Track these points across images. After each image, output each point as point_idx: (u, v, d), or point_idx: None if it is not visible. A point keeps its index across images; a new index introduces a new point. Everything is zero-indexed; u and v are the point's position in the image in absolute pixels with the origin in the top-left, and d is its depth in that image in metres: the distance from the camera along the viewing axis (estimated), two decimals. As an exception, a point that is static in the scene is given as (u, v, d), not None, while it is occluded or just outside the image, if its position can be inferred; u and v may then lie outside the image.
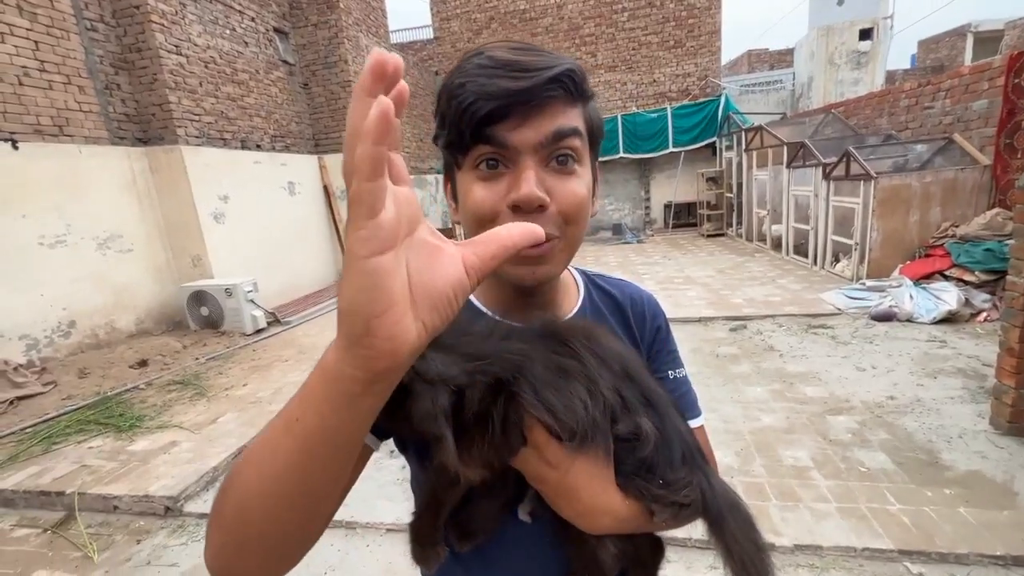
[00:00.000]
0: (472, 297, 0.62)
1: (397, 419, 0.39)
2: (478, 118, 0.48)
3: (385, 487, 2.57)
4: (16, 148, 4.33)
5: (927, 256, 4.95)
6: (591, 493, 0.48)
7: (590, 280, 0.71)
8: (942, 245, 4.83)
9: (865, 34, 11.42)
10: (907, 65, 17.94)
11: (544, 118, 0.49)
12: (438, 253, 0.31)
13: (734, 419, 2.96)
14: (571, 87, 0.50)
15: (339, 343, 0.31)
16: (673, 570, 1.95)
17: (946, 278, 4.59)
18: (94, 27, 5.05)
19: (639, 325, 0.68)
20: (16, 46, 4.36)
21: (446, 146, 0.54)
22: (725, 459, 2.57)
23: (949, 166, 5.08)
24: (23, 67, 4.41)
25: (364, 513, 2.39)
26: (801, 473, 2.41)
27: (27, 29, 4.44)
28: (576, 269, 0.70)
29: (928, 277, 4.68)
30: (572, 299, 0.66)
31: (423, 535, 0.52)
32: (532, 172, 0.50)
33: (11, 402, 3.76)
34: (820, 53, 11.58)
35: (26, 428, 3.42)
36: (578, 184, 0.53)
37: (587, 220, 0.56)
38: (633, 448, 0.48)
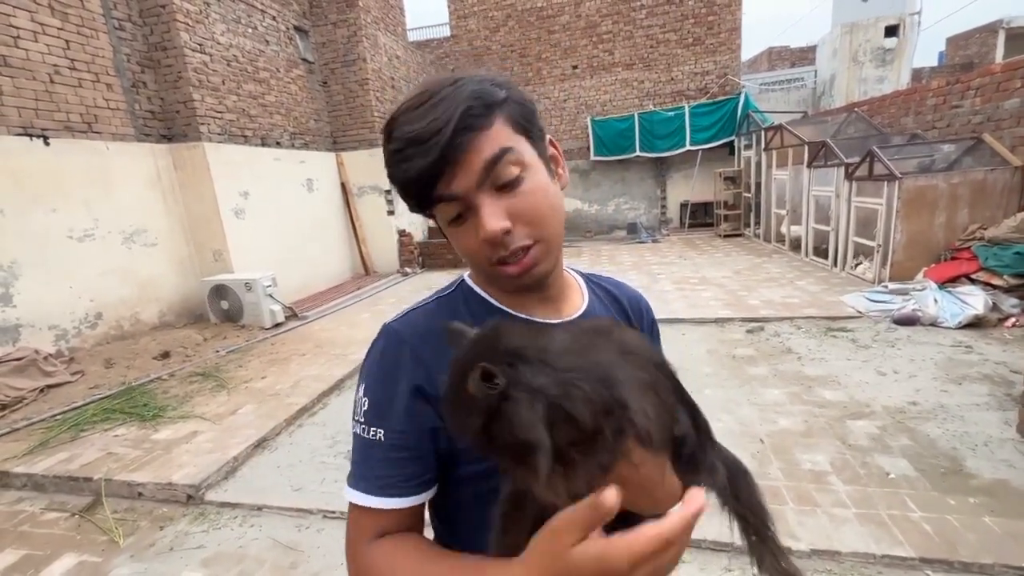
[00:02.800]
0: (485, 294, 0.64)
1: (485, 434, 0.40)
2: (417, 193, 0.54)
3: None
4: (48, 144, 4.47)
5: (953, 259, 4.82)
6: (663, 482, 0.49)
7: (587, 279, 0.74)
8: (969, 248, 4.70)
9: (891, 31, 11.14)
10: (934, 63, 17.45)
11: (469, 161, 0.52)
12: None
13: (750, 421, 2.93)
14: (476, 120, 0.52)
15: None
16: (687, 571, 1.94)
17: (973, 282, 4.47)
18: (122, 26, 5.18)
19: (638, 320, 0.74)
20: (48, 45, 4.49)
21: (414, 211, 0.60)
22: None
23: (978, 166, 4.94)
24: (54, 65, 4.54)
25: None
26: (819, 477, 2.38)
27: (58, 28, 4.58)
28: (572, 269, 0.74)
29: (954, 280, 4.57)
30: (578, 296, 0.70)
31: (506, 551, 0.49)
32: (486, 207, 0.53)
33: (41, 390, 3.89)
34: (843, 50, 11.33)
35: (55, 415, 3.54)
36: (531, 192, 0.55)
37: (556, 212, 0.58)
38: (684, 438, 0.50)
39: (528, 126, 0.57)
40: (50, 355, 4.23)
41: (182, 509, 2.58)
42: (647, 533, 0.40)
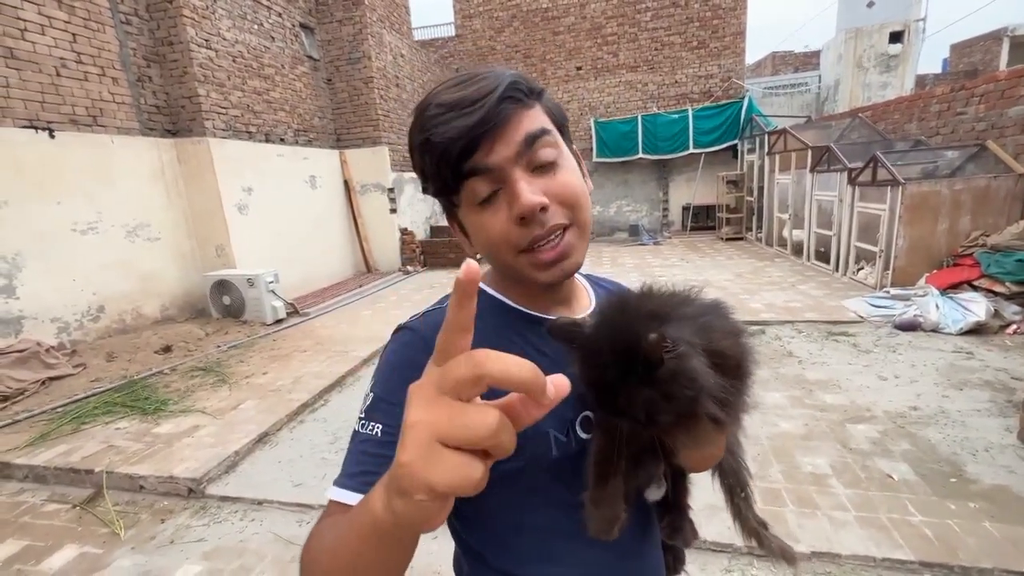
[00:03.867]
0: (498, 294, 0.63)
1: (641, 385, 0.41)
2: (453, 160, 0.51)
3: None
4: (53, 137, 4.47)
5: (955, 265, 4.83)
6: (719, 435, 0.51)
7: (590, 280, 0.75)
8: (971, 254, 4.70)
9: (895, 37, 11.14)
10: (938, 69, 17.47)
11: (509, 132, 0.52)
12: None
13: (751, 424, 2.93)
14: (520, 95, 0.53)
15: (388, 519, 0.34)
16: (688, 570, 1.94)
17: (975, 288, 4.47)
18: (128, 20, 5.19)
19: None
20: (55, 38, 4.50)
21: (437, 194, 0.57)
22: (742, 463, 2.55)
23: (981, 173, 4.94)
24: (61, 59, 4.55)
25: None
26: (819, 480, 2.38)
27: (65, 21, 4.59)
28: (578, 274, 0.73)
29: (956, 287, 4.57)
30: (584, 296, 0.70)
31: (604, 501, 0.52)
32: (523, 182, 0.52)
33: (43, 382, 3.90)
34: (848, 56, 11.34)
35: (57, 408, 3.54)
36: (568, 175, 0.55)
37: (589, 203, 0.58)
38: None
39: (562, 124, 0.58)
40: (52, 347, 4.24)
41: (183, 502, 2.59)
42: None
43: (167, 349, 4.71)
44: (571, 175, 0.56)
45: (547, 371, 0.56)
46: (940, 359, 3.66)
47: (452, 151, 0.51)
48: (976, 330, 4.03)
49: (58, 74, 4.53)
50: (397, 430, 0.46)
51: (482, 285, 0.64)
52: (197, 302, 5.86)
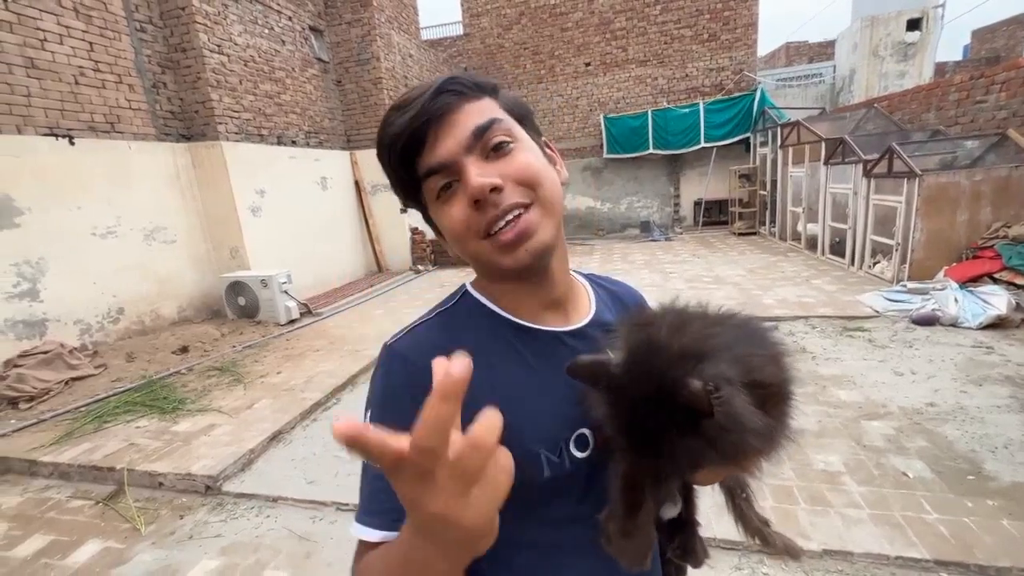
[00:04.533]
0: (488, 302, 0.61)
1: (683, 432, 0.39)
2: (398, 158, 0.53)
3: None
4: (72, 144, 4.59)
5: (975, 258, 4.71)
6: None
7: (591, 281, 0.72)
8: (992, 246, 4.59)
9: (913, 24, 10.85)
10: (959, 56, 17.00)
11: (455, 125, 0.52)
12: None
13: (763, 421, 2.91)
14: (462, 89, 0.53)
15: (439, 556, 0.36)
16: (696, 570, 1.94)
17: (995, 281, 4.36)
18: (143, 28, 5.30)
19: None
20: (73, 47, 4.62)
21: (406, 200, 0.58)
22: (753, 461, 2.53)
23: (1002, 163, 4.81)
24: (79, 67, 4.67)
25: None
26: (832, 478, 2.35)
27: (83, 31, 4.70)
28: (576, 272, 0.71)
29: (976, 280, 4.46)
30: (586, 300, 0.67)
31: (637, 531, 0.50)
32: (472, 167, 0.51)
33: (66, 382, 4.01)
34: (864, 45, 11.09)
35: (80, 407, 3.65)
36: (525, 155, 0.54)
37: (553, 182, 0.56)
38: None
39: (523, 116, 0.57)
40: (75, 349, 4.36)
41: (201, 499, 2.65)
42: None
43: (184, 350, 4.82)
44: (529, 155, 0.55)
45: (535, 387, 0.56)
46: (958, 354, 3.58)
47: (396, 146, 0.52)
48: (996, 324, 3.93)
49: (77, 82, 4.65)
50: None
51: (472, 291, 0.63)
52: (213, 303, 5.98)
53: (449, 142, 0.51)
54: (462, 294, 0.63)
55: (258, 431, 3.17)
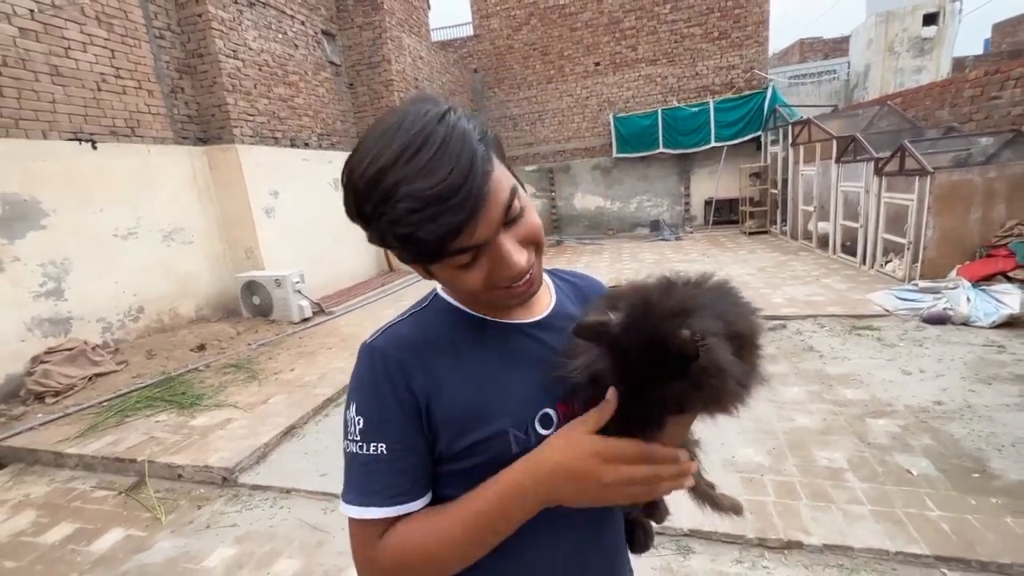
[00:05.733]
0: (458, 303, 0.65)
1: (662, 376, 0.46)
2: (434, 252, 0.51)
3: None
4: (95, 148, 4.76)
5: (989, 256, 4.65)
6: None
7: (554, 275, 0.76)
8: (1006, 245, 4.52)
9: (930, 19, 10.68)
10: (979, 51, 16.63)
11: (490, 206, 0.51)
12: None
13: (768, 418, 2.93)
14: (487, 164, 0.50)
15: (543, 506, 0.54)
16: (698, 562, 1.98)
17: (1009, 280, 4.30)
18: (162, 35, 5.46)
19: None
20: (96, 55, 4.78)
21: (414, 262, 0.56)
22: (756, 457, 2.55)
23: (1017, 160, 4.74)
24: (101, 74, 4.83)
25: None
26: (835, 474, 2.37)
27: (105, 39, 4.86)
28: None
29: (989, 279, 4.40)
30: (547, 293, 0.71)
31: None
32: (509, 246, 0.54)
33: (90, 378, 4.16)
34: (879, 40, 10.94)
35: (103, 402, 3.79)
36: (531, 214, 0.57)
37: (541, 229, 0.61)
38: None
39: (500, 149, 0.58)
40: (97, 346, 4.52)
41: (218, 490, 2.75)
42: (634, 444, 0.51)
43: (202, 347, 4.96)
44: (533, 213, 0.58)
45: (502, 373, 0.63)
46: (969, 353, 3.55)
47: (445, 241, 0.50)
48: (1009, 323, 3.88)
49: (99, 88, 4.81)
50: (401, 444, 0.58)
51: (442, 295, 0.67)
52: (229, 302, 6.13)
53: (484, 229, 0.51)
54: (433, 297, 0.67)
55: (272, 425, 3.26)
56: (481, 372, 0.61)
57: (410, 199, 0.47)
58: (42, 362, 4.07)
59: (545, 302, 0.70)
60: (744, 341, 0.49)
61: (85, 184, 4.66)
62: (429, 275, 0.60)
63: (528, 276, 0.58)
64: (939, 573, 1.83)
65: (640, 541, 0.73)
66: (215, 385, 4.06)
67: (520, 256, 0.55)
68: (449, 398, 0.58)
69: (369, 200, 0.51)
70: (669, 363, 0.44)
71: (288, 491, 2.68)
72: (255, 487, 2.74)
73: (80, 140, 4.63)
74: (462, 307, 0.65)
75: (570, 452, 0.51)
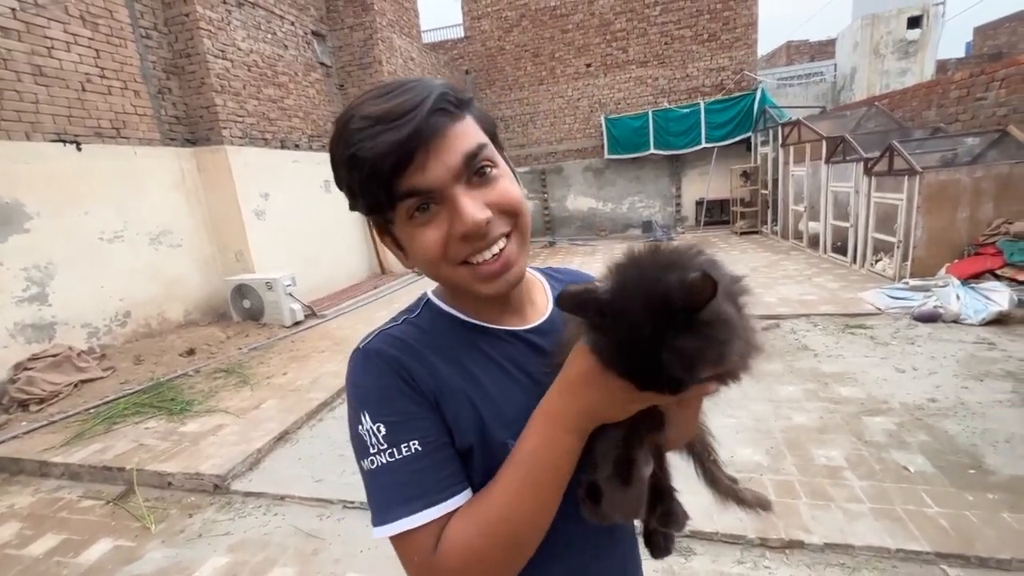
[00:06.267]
0: (452, 309, 0.62)
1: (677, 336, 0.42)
2: (385, 177, 0.49)
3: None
4: (80, 150, 4.66)
5: (977, 254, 4.71)
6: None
7: (548, 276, 0.74)
8: (994, 243, 4.59)
9: (914, 22, 10.86)
10: (961, 53, 16.96)
11: (445, 148, 0.50)
12: None
13: (765, 417, 2.93)
14: (451, 107, 0.51)
15: (583, 423, 0.50)
16: (700, 563, 1.97)
17: (997, 277, 4.36)
18: (148, 35, 5.37)
19: None
20: (80, 55, 4.69)
21: (369, 212, 0.55)
22: (755, 456, 2.55)
23: (1003, 160, 4.82)
24: (86, 74, 4.74)
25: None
26: (834, 473, 2.37)
27: (89, 38, 4.77)
28: (533, 269, 0.72)
29: (977, 276, 4.47)
30: (543, 295, 0.69)
31: (635, 480, 0.51)
32: (465, 199, 0.51)
33: (75, 385, 4.07)
34: (865, 43, 11.09)
35: (89, 409, 3.70)
36: (506, 183, 0.55)
37: (528, 211, 0.58)
38: None
39: (492, 131, 0.57)
40: (83, 352, 4.42)
41: (209, 498, 2.69)
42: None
43: (191, 352, 4.87)
44: (510, 182, 0.56)
45: (498, 381, 0.59)
46: (960, 350, 3.59)
47: (383, 167, 0.48)
48: (999, 320, 3.94)
49: (83, 89, 4.71)
50: (433, 434, 0.54)
51: (434, 299, 0.64)
52: (218, 306, 6.03)
53: (439, 167, 0.49)
54: (425, 302, 0.64)
55: (265, 431, 3.21)
56: (479, 382, 0.57)
57: (359, 119, 0.49)
58: (26, 369, 3.97)
59: (542, 307, 0.67)
60: (738, 305, 0.46)
61: (70, 186, 4.56)
62: (399, 247, 0.59)
63: (499, 252, 0.54)
64: (939, 570, 1.83)
65: (660, 545, 0.70)
66: (205, 390, 3.99)
67: (478, 210, 0.51)
68: (449, 403, 0.55)
69: (338, 135, 0.52)
70: (673, 317, 0.40)
71: (282, 498, 2.63)
72: (248, 494, 2.69)
73: (64, 141, 4.54)
74: (455, 312, 0.62)
75: (587, 359, 0.47)
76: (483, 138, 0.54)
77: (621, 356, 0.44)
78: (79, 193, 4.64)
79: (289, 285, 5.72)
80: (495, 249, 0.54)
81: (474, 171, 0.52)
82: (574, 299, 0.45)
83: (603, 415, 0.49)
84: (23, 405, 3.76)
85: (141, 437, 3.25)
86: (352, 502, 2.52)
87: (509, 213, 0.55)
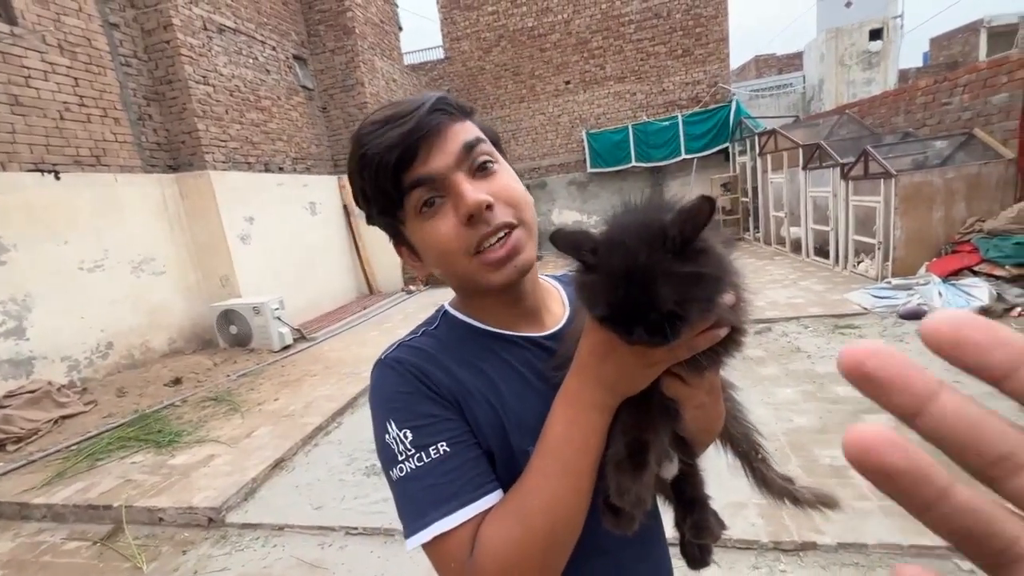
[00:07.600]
0: (467, 318, 0.63)
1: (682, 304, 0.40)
2: (392, 170, 0.53)
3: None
4: (58, 179, 4.56)
5: (954, 252, 4.86)
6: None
7: (564, 283, 0.73)
8: (969, 240, 4.75)
9: (875, 34, 11.38)
10: (920, 63, 17.76)
11: (445, 141, 0.54)
12: None
13: (766, 421, 2.94)
14: (450, 109, 0.56)
15: (604, 398, 0.49)
16: (715, 571, 1.94)
17: (975, 274, 4.50)
18: (128, 62, 5.33)
19: None
20: (58, 83, 4.62)
21: (382, 213, 0.58)
22: (760, 460, 2.55)
23: (971, 161, 5.01)
24: (64, 103, 4.66)
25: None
26: (839, 472, 2.38)
27: (67, 67, 4.71)
28: (548, 276, 0.73)
29: (956, 273, 4.60)
30: (559, 303, 0.69)
31: (642, 482, 0.48)
32: (466, 183, 0.54)
33: (55, 421, 3.90)
34: (830, 55, 11.56)
35: (71, 446, 3.54)
36: (508, 178, 0.58)
37: (532, 205, 0.60)
38: None
39: (495, 140, 0.60)
40: (63, 386, 4.25)
41: (203, 532, 2.58)
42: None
43: (177, 381, 4.72)
44: (511, 178, 0.58)
45: (519, 390, 0.59)
46: (948, 345, 3.67)
47: (389, 160, 0.52)
48: (981, 315, 4.04)
49: (62, 118, 4.63)
50: (461, 434, 0.55)
51: (451, 311, 0.65)
52: (204, 333, 5.89)
53: (441, 157, 0.53)
54: (442, 314, 0.66)
55: (259, 459, 3.10)
56: (500, 391, 0.58)
57: (368, 126, 0.55)
58: (1, 407, 3.80)
59: (558, 313, 0.67)
60: (728, 247, 0.47)
61: (48, 216, 4.44)
62: (415, 255, 0.60)
63: (503, 235, 0.55)
64: (952, 564, 1.83)
65: (695, 557, 0.68)
66: (194, 420, 3.86)
67: (478, 194, 0.53)
68: (469, 406, 0.56)
69: (352, 151, 0.57)
70: (667, 246, 0.39)
71: (281, 528, 2.54)
72: (245, 526, 2.58)
73: (42, 171, 4.44)
74: (472, 321, 0.63)
75: (594, 334, 0.48)
76: (482, 135, 0.57)
77: (614, 290, 0.41)
78: (58, 223, 4.52)
79: (277, 309, 5.62)
80: (500, 235, 0.55)
81: (476, 164, 0.55)
82: (568, 237, 0.45)
83: (622, 387, 0.48)
84: (0, 445, 3.59)
85: (128, 472, 3.12)
86: (355, 528, 2.44)
87: (513, 204, 0.56)
